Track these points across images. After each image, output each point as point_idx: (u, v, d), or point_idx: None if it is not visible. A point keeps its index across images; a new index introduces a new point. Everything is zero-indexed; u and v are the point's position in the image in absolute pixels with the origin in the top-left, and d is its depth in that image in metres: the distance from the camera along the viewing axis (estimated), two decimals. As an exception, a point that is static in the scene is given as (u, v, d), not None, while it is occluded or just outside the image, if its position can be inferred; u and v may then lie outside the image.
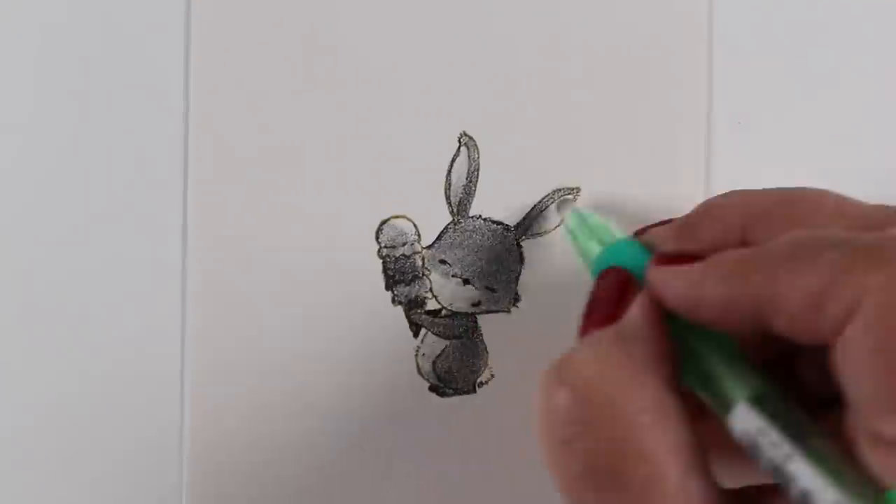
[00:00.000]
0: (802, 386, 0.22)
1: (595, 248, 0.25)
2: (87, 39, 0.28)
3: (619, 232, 0.26)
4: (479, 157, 0.30)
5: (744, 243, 0.22)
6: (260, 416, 0.29)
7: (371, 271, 0.29)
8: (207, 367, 0.28)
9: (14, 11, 0.28)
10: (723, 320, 0.20)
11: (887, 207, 0.21)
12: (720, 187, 0.31)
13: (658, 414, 0.19)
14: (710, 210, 0.23)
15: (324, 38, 0.29)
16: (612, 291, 0.22)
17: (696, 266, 0.20)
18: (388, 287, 0.30)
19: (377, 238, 0.29)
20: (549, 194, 0.30)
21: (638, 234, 0.25)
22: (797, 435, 0.19)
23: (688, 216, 0.24)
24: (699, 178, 0.31)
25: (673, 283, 0.21)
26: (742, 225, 0.22)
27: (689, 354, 0.21)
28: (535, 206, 0.30)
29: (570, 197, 0.30)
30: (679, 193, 0.31)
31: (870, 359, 0.17)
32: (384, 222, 0.29)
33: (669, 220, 0.25)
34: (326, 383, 0.29)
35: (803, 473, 0.18)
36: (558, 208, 0.30)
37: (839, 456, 0.18)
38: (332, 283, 0.29)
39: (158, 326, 0.28)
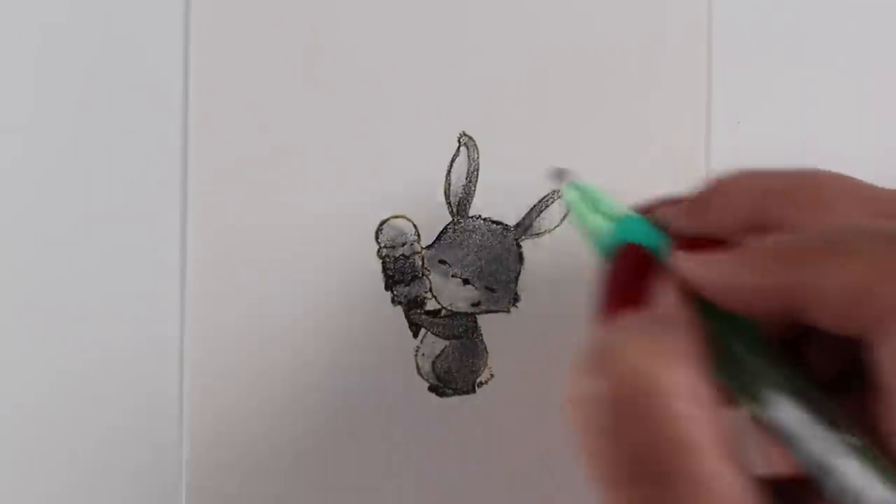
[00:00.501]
0: (809, 369, 0.22)
1: (599, 223, 0.24)
2: (86, 39, 0.28)
3: (623, 206, 0.25)
4: (478, 157, 0.30)
5: (757, 225, 0.22)
6: (259, 415, 0.29)
7: (371, 271, 0.29)
8: (207, 367, 0.28)
9: (14, 11, 0.27)
10: (755, 309, 0.20)
11: None
12: (720, 187, 0.31)
13: (699, 404, 0.19)
14: (721, 189, 0.23)
15: (324, 38, 0.29)
16: (633, 271, 0.22)
17: (732, 254, 0.20)
18: (387, 287, 0.30)
19: (377, 238, 0.29)
20: (548, 194, 0.30)
21: (644, 211, 0.25)
22: (838, 428, 0.18)
23: (698, 195, 0.23)
24: (699, 178, 0.31)
25: (705, 271, 0.20)
26: (755, 206, 0.22)
27: (716, 342, 0.21)
28: (534, 206, 0.30)
29: (566, 168, 0.29)
30: (679, 192, 0.31)
31: None
32: (384, 222, 0.29)
33: (674, 199, 0.24)
34: (326, 383, 0.29)
35: (847, 468, 0.18)
36: (555, 179, 0.28)
37: (873, 449, 0.18)
38: (332, 282, 0.29)
39: (158, 326, 0.28)
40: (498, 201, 0.30)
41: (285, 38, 0.29)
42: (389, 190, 0.29)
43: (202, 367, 0.28)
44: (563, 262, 0.30)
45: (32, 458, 0.28)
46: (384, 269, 0.29)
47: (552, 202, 0.30)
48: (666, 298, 0.21)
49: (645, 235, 0.22)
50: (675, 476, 0.18)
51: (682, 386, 0.19)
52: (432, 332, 0.30)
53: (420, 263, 0.30)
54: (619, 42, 0.31)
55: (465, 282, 0.30)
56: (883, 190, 0.21)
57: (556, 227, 0.30)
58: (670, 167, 0.31)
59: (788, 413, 0.19)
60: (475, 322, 0.30)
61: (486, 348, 0.30)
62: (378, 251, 0.29)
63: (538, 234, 0.30)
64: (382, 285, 0.29)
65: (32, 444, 0.28)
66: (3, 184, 0.28)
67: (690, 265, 0.21)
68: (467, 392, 0.30)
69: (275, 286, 0.29)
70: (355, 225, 0.29)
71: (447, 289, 0.30)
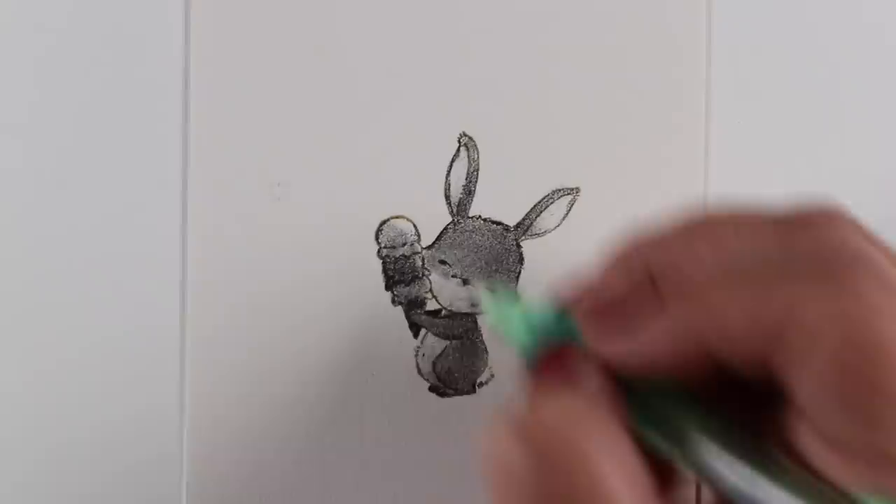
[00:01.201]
0: (735, 394, 0.22)
1: (518, 324, 0.25)
2: (87, 39, 0.28)
3: (538, 305, 0.25)
4: (478, 158, 0.30)
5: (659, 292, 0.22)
6: (259, 415, 0.29)
7: (371, 271, 0.29)
8: (207, 368, 0.28)
9: (14, 11, 0.28)
10: (665, 370, 0.20)
11: (797, 208, 0.21)
12: (719, 187, 0.31)
13: (624, 464, 0.19)
14: (616, 266, 0.23)
15: (324, 38, 0.29)
16: (554, 363, 0.22)
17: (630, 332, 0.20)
18: (388, 287, 0.30)
19: (377, 238, 0.29)
20: (548, 194, 0.30)
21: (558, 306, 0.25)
22: (758, 457, 0.19)
23: (599, 278, 0.23)
24: (698, 179, 0.31)
25: (610, 351, 0.21)
26: (650, 276, 0.22)
27: (636, 400, 0.21)
28: (535, 206, 0.30)
29: (477, 281, 0.30)
30: (678, 193, 0.31)
31: (834, 381, 0.17)
32: (384, 222, 0.29)
33: (579, 286, 0.24)
34: (326, 384, 0.29)
35: (768, 494, 0.18)
36: (470, 285, 0.30)
37: (801, 472, 0.19)
38: (332, 283, 0.29)
39: (158, 325, 0.28)
40: (498, 201, 0.30)
41: (285, 38, 0.29)
42: (389, 190, 0.29)
43: (202, 367, 0.28)
44: (563, 263, 0.30)
45: (32, 459, 0.28)
46: (384, 270, 0.29)
47: (552, 202, 0.30)
48: (588, 373, 0.21)
49: (560, 328, 0.23)
50: None
51: (605, 445, 0.19)
52: (432, 333, 0.30)
53: (420, 263, 0.30)
54: (618, 43, 0.31)
55: (465, 282, 0.30)
56: (771, 212, 0.21)
57: (556, 227, 0.30)
58: (669, 168, 0.31)
59: (708, 454, 0.20)
60: (475, 322, 0.30)
61: (486, 348, 0.30)
62: (378, 251, 0.29)
63: (538, 234, 0.30)
64: (382, 285, 0.29)
65: (32, 444, 0.28)
66: (2, 184, 0.28)
67: (597, 345, 0.21)
68: (467, 392, 0.30)
69: (275, 286, 0.29)
70: (355, 225, 0.29)
71: (447, 289, 0.30)
